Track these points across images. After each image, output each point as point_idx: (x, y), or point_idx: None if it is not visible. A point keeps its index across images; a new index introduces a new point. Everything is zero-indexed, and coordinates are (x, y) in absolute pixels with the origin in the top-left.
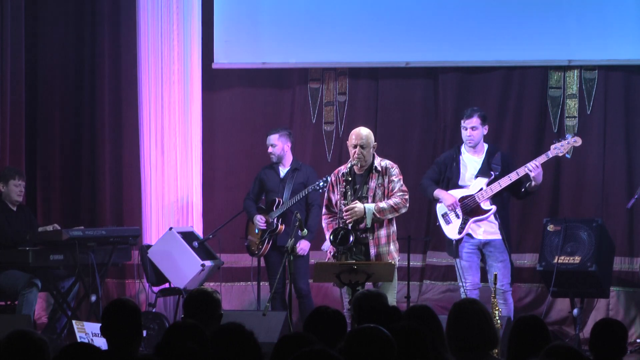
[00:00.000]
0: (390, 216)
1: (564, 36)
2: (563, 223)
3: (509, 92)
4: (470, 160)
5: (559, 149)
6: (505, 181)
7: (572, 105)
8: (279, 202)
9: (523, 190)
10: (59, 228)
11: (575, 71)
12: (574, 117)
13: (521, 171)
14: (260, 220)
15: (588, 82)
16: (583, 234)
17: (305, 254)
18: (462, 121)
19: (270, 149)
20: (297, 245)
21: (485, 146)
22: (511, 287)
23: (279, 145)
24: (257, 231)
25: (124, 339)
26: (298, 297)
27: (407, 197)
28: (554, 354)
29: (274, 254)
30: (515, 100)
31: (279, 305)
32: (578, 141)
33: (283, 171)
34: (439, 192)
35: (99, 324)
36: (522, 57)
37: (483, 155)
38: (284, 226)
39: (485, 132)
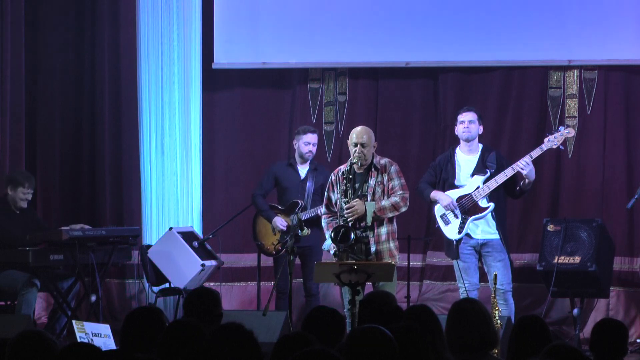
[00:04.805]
0: (390, 215)
1: (564, 36)
2: (563, 223)
3: (509, 92)
4: (465, 160)
5: (552, 141)
6: (501, 177)
7: (572, 105)
8: (302, 204)
9: (518, 188)
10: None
11: (575, 71)
12: (574, 117)
13: (517, 166)
14: (281, 223)
15: (588, 82)
16: (583, 234)
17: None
18: (459, 115)
19: (311, 148)
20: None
21: (480, 146)
22: (511, 287)
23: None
24: (274, 232)
25: (141, 347)
26: (306, 296)
27: (407, 196)
28: (555, 354)
29: (286, 254)
30: (515, 100)
31: (286, 305)
32: (571, 132)
33: (303, 171)
34: (435, 194)
35: (99, 324)
36: (522, 57)
37: (478, 155)
38: (310, 230)
39: (481, 131)
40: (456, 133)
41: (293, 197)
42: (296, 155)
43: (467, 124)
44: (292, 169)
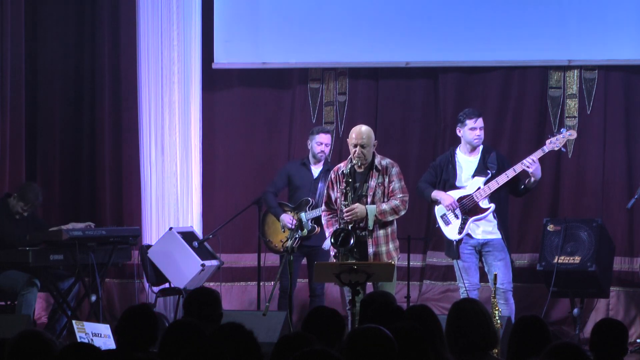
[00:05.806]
0: (390, 218)
1: (564, 36)
2: (563, 223)
3: (509, 92)
4: (466, 161)
5: (554, 143)
6: (502, 178)
7: (572, 105)
8: (312, 202)
9: (522, 187)
10: (92, 225)
11: (575, 71)
12: (574, 117)
13: (518, 167)
14: (289, 221)
15: (588, 82)
16: (583, 234)
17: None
18: (469, 121)
19: (324, 148)
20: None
21: (480, 146)
22: (512, 286)
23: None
24: (283, 230)
25: (137, 345)
26: (311, 296)
27: (406, 199)
28: (557, 353)
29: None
30: (515, 100)
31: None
32: (573, 134)
33: (316, 171)
34: (436, 193)
35: (99, 324)
36: (522, 57)
37: (478, 155)
38: (319, 229)
39: None
40: (460, 135)
41: (304, 196)
42: (310, 155)
43: (479, 131)
44: (306, 168)
